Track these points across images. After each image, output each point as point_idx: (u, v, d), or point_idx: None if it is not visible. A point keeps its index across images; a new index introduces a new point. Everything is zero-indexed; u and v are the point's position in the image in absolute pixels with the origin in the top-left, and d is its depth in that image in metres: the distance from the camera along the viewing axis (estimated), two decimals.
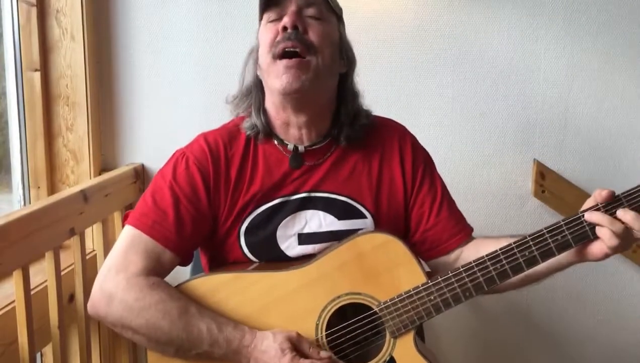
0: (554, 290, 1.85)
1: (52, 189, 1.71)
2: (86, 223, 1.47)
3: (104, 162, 1.79)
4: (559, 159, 1.79)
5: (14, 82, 1.66)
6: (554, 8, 1.74)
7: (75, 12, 1.65)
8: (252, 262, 1.14)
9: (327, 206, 1.15)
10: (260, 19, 1.15)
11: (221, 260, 1.17)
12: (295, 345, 1.01)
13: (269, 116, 1.17)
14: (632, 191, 0.99)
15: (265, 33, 1.12)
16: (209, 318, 1.02)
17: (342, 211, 1.15)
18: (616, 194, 0.99)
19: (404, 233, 1.20)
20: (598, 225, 0.98)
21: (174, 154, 1.17)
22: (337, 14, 1.17)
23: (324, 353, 1.02)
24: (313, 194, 1.15)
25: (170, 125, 1.77)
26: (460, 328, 1.88)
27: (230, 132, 1.18)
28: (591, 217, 0.99)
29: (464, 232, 1.19)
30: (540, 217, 1.81)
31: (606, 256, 1.00)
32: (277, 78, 1.07)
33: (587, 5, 1.73)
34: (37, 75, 1.65)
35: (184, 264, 1.15)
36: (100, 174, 1.75)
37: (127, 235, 1.08)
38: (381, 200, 1.17)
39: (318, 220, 1.14)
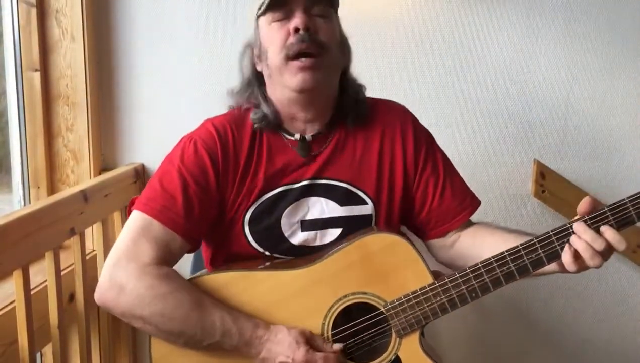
0: (554, 289, 1.85)
1: (52, 189, 1.71)
2: (86, 223, 1.46)
3: (104, 162, 1.79)
4: (559, 159, 1.79)
5: (14, 82, 1.66)
6: (554, 8, 1.74)
7: (75, 12, 1.65)
8: (256, 251, 1.14)
9: (329, 193, 1.16)
10: (258, 15, 1.15)
11: (225, 252, 1.17)
12: (309, 339, 1.02)
13: (276, 108, 1.18)
14: (617, 204, 0.99)
15: (273, 33, 1.11)
16: (223, 310, 1.02)
17: (343, 197, 1.16)
18: (601, 208, 0.99)
19: (402, 216, 1.22)
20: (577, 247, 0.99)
21: (181, 139, 1.17)
22: (335, 8, 1.19)
23: (336, 347, 1.04)
24: (315, 181, 1.16)
25: (171, 126, 1.77)
26: (461, 327, 1.88)
27: (236, 118, 1.19)
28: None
29: (465, 211, 1.21)
30: (540, 217, 1.81)
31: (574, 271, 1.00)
32: (292, 77, 1.09)
33: (587, 5, 1.73)
34: (37, 75, 1.65)
35: (192, 250, 1.15)
36: (100, 174, 1.75)
37: (136, 221, 1.07)
38: (382, 185, 1.19)
39: (320, 207, 1.16)
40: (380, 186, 1.18)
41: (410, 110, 1.82)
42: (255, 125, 1.16)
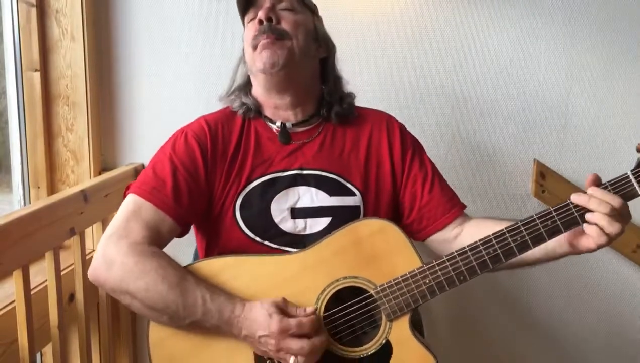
0: (553, 289, 1.85)
1: (52, 189, 1.71)
2: (86, 223, 1.47)
3: (104, 162, 1.79)
4: (559, 159, 1.79)
5: (14, 82, 1.66)
6: (554, 8, 1.74)
7: (75, 12, 1.65)
8: (248, 237, 1.17)
9: (319, 183, 1.20)
10: (243, 23, 1.27)
11: (218, 243, 1.20)
12: (282, 308, 1.04)
13: (259, 102, 1.26)
14: (618, 179, 1.03)
15: (247, 32, 1.24)
16: (204, 289, 1.05)
17: (332, 188, 1.21)
18: (602, 182, 1.03)
19: (393, 214, 1.25)
20: (585, 208, 1.01)
21: (174, 132, 1.24)
22: (311, 8, 1.27)
23: (309, 309, 1.05)
24: (305, 172, 1.21)
25: (170, 126, 1.75)
26: (460, 327, 1.88)
27: (227, 115, 1.27)
28: (578, 199, 1.02)
29: (458, 206, 1.25)
30: None
31: (596, 245, 1.02)
32: (258, 60, 1.18)
33: (586, 5, 1.73)
34: (37, 75, 1.65)
35: (181, 235, 1.19)
36: (100, 174, 1.75)
37: (128, 203, 1.13)
38: (369, 180, 1.23)
39: (310, 196, 1.20)
40: (367, 180, 1.23)
41: (410, 110, 1.82)
42: (238, 111, 1.24)
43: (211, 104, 1.78)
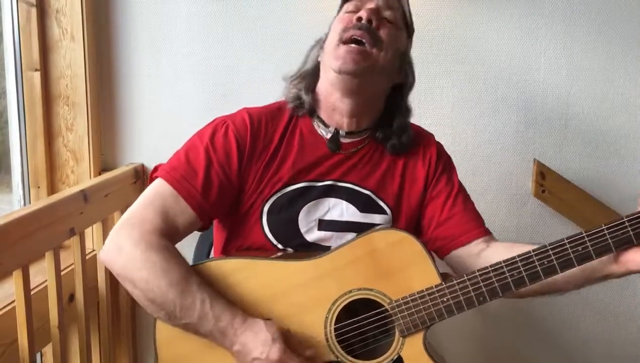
0: None
1: (52, 189, 1.71)
2: (86, 223, 1.47)
3: (104, 162, 1.79)
4: (559, 159, 1.79)
5: (14, 82, 1.65)
6: (554, 8, 1.74)
7: (75, 12, 1.65)
8: (270, 242, 1.14)
9: (351, 197, 1.17)
10: (339, 10, 1.21)
11: (238, 242, 1.17)
12: (287, 339, 1.01)
13: (318, 99, 1.20)
14: None
15: (339, 21, 1.17)
16: (206, 293, 1.01)
17: (364, 204, 1.17)
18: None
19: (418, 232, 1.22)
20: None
21: (214, 120, 1.20)
22: (409, 30, 1.22)
23: (309, 352, 1.02)
24: (339, 183, 1.17)
25: (170, 125, 1.77)
26: (461, 328, 1.88)
27: (272, 111, 1.22)
28: None
29: (479, 229, 1.19)
30: (540, 217, 1.81)
31: None
32: (336, 59, 1.12)
33: (587, 6, 1.73)
34: (37, 75, 1.65)
35: (202, 229, 1.16)
36: (100, 174, 1.75)
37: (153, 188, 1.10)
38: (402, 199, 1.20)
39: (340, 209, 1.16)
40: (400, 199, 1.20)
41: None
42: (289, 106, 1.20)
43: (211, 104, 1.78)
